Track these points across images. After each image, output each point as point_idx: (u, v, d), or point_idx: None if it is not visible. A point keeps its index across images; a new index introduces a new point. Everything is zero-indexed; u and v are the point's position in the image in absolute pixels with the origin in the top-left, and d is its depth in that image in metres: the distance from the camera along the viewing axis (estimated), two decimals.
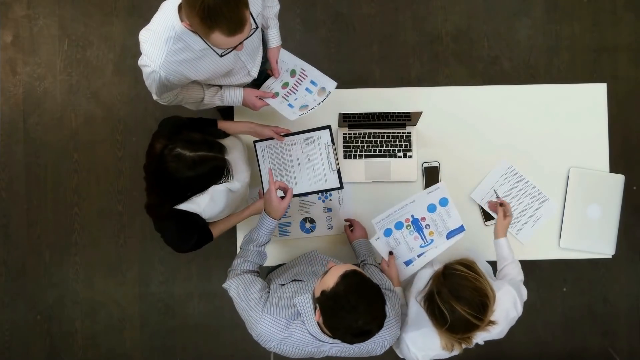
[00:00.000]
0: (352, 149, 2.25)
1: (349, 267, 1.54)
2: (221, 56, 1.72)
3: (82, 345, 3.11)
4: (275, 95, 2.08)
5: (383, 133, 2.24)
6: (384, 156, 2.25)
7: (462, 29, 3.16)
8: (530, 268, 3.03)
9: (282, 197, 1.90)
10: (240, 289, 1.74)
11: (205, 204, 1.79)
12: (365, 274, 1.56)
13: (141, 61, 1.77)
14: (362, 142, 2.25)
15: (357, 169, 2.25)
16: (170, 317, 3.11)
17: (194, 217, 1.80)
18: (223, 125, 2.01)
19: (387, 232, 1.98)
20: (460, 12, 3.16)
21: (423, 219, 1.98)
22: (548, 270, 3.10)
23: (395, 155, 2.25)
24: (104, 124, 3.13)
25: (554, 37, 3.16)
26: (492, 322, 1.65)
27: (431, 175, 2.25)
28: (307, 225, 2.25)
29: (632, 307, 3.12)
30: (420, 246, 1.98)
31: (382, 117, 2.15)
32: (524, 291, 1.90)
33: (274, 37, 2.08)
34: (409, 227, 1.99)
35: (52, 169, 3.13)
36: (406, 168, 2.25)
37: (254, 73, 2.04)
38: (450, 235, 1.99)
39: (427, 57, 3.14)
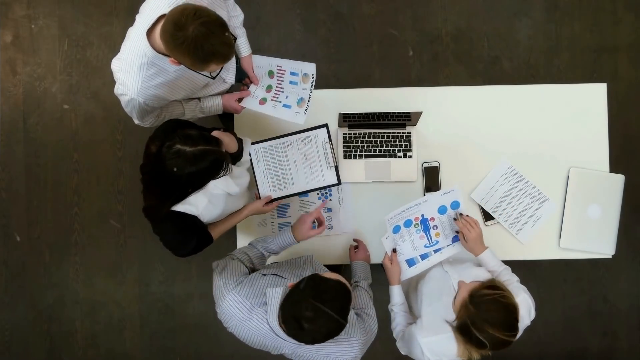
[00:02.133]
0: (352, 149, 2.25)
1: (348, 284, 1.57)
2: (213, 78, 1.76)
3: (82, 345, 3.11)
4: (264, 101, 2.08)
5: (383, 133, 2.24)
6: (384, 156, 2.25)
7: (462, 29, 3.16)
8: (530, 268, 3.03)
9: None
10: (226, 270, 1.78)
11: (203, 206, 1.78)
12: (354, 293, 1.59)
13: (117, 90, 1.79)
14: (362, 142, 2.25)
15: (357, 169, 2.25)
16: (170, 317, 3.11)
17: (193, 219, 1.79)
18: None
19: (396, 229, 1.97)
20: (460, 12, 3.16)
21: (432, 219, 1.98)
22: (548, 270, 3.09)
23: (395, 155, 2.25)
24: (104, 124, 3.13)
25: (554, 37, 3.16)
26: None
27: (431, 175, 2.25)
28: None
29: (632, 307, 3.12)
30: (425, 246, 1.98)
31: (382, 117, 2.16)
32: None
33: (244, 46, 2.07)
34: (417, 226, 1.98)
35: (52, 169, 3.13)
36: (406, 168, 2.25)
37: (230, 79, 2.05)
38: (455, 238, 1.98)
39: (427, 57, 3.14)
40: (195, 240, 1.85)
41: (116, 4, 3.16)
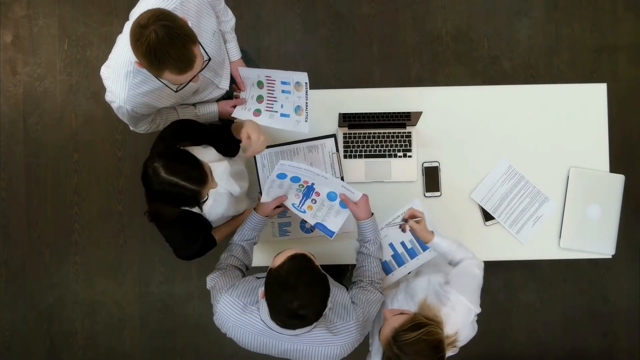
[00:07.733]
0: (352, 149, 2.25)
1: (300, 250, 1.57)
2: (176, 92, 1.70)
3: (82, 345, 3.11)
4: (258, 112, 2.06)
5: (383, 133, 2.24)
6: (384, 156, 2.25)
7: (462, 29, 3.16)
8: (530, 268, 3.03)
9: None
10: (220, 278, 1.76)
11: (210, 204, 1.79)
12: (314, 260, 1.57)
13: (107, 97, 1.78)
14: (362, 142, 2.25)
15: (357, 169, 2.25)
16: (170, 317, 3.11)
17: (199, 217, 1.81)
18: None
19: (281, 176, 1.92)
20: (460, 12, 3.16)
21: (317, 194, 1.96)
22: (548, 270, 3.09)
23: (395, 155, 2.25)
24: (104, 124, 3.13)
25: (554, 37, 3.16)
26: (453, 342, 1.64)
27: (431, 175, 2.25)
28: (307, 225, 2.25)
29: (632, 307, 3.12)
30: (292, 204, 1.97)
31: (382, 117, 2.16)
32: (479, 266, 1.83)
33: (233, 51, 2.05)
34: (301, 187, 1.96)
35: (52, 169, 3.13)
36: (406, 168, 2.25)
37: (224, 85, 2.02)
38: (317, 225, 1.96)
39: (427, 57, 3.14)
40: (201, 240, 1.86)
41: (116, 4, 3.16)
